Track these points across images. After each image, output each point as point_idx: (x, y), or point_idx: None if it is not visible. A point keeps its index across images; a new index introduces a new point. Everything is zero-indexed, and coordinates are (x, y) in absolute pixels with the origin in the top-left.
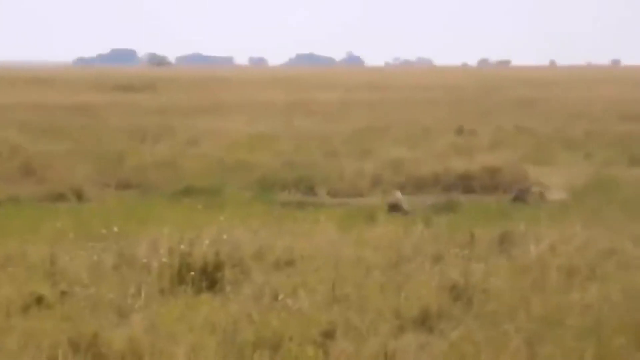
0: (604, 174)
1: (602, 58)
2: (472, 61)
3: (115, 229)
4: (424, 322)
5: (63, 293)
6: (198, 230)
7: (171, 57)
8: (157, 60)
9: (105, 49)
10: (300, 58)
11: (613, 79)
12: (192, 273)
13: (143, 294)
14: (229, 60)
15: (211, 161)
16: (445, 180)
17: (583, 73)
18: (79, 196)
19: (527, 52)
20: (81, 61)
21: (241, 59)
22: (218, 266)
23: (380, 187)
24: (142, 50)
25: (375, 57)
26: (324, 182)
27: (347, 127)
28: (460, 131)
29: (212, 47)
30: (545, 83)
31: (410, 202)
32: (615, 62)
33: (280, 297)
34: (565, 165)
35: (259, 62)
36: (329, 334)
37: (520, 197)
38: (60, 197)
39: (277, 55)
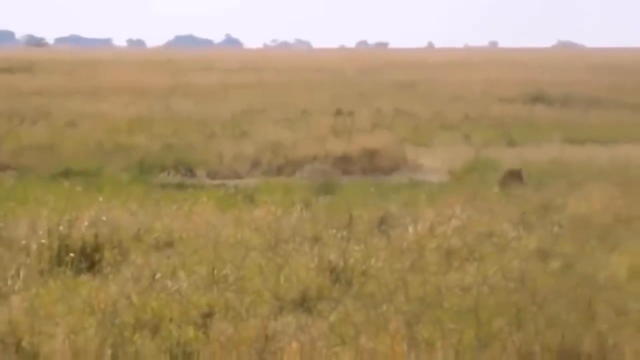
0: (483, 155)
1: (479, 40)
2: (350, 43)
3: None
4: (303, 303)
5: None
6: (77, 212)
7: (49, 38)
8: (35, 42)
9: None
10: (179, 40)
11: (491, 61)
12: (72, 255)
13: (22, 276)
14: (107, 41)
15: (90, 144)
16: (324, 162)
17: (461, 55)
18: None
19: (405, 34)
20: None
21: (119, 41)
22: (97, 248)
23: (260, 169)
24: (20, 31)
25: (254, 39)
26: (203, 164)
27: (226, 109)
28: (339, 113)
29: (90, 28)
30: (424, 65)
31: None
32: (493, 44)
33: (159, 279)
34: (444, 147)
35: (137, 43)
36: (208, 315)
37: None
38: None
39: (156, 37)
